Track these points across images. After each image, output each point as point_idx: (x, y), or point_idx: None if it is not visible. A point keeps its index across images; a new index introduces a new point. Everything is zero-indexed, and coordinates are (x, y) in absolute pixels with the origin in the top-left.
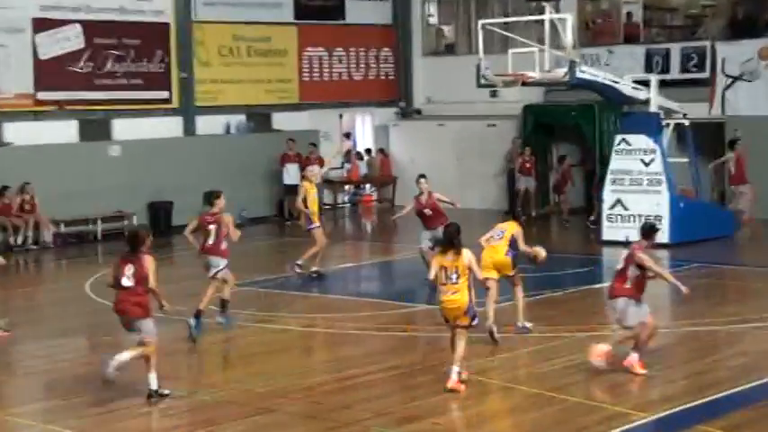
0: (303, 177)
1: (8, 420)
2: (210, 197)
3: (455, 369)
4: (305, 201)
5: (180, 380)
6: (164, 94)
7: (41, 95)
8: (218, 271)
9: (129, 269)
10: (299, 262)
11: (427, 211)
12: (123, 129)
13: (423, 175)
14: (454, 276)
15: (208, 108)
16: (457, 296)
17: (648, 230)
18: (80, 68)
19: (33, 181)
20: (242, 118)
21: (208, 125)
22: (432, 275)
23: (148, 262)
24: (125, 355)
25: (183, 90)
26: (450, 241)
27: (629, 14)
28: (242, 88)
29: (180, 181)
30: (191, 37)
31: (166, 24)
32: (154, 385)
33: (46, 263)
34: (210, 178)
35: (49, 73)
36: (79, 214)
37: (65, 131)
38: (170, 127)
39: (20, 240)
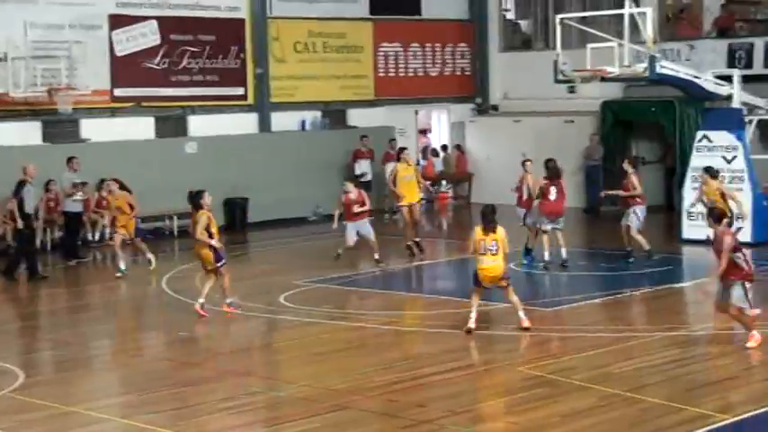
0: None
1: (86, 414)
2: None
3: (521, 314)
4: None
5: (256, 376)
6: (239, 91)
7: (118, 92)
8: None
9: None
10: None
11: None
12: (199, 125)
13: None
14: (493, 247)
15: (283, 104)
16: (496, 263)
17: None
18: (156, 65)
19: (111, 177)
20: (317, 114)
21: (283, 121)
22: (470, 249)
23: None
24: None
25: (259, 86)
26: (487, 219)
27: (723, 5)
28: (317, 84)
29: (255, 178)
30: (266, 33)
31: (242, 20)
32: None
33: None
34: (286, 175)
35: (125, 69)
36: (155, 210)
37: (141, 128)
38: (245, 123)
39: (97, 236)
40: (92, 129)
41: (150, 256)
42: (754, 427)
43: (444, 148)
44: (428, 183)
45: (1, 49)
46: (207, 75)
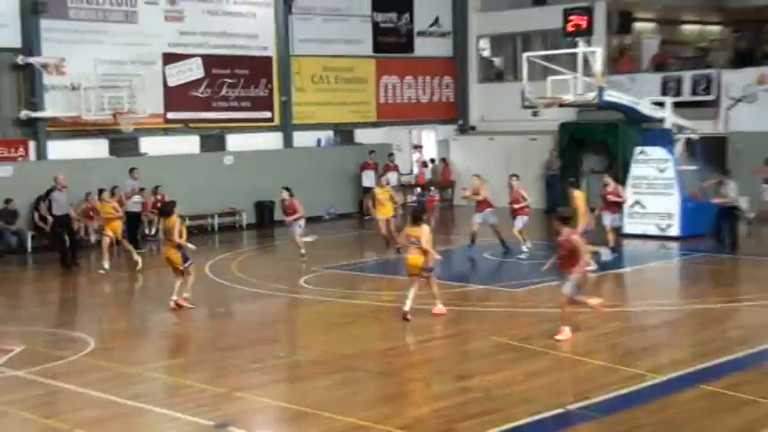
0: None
1: (143, 374)
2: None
3: (439, 304)
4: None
5: (280, 343)
6: (267, 114)
7: (170, 115)
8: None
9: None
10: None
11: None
12: (235, 142)
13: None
14: (416, 242)
15: (303, 125)
16: (415, 255)
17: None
18: (201, 93)
19: (163, 184)
20: (330, 133)
21: (303, 139)
22: (401, 240)
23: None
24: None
25: (283, 111)
26: (414, 217)
27: (660, 45)
28: (330, 109)
29: (280, 184)
30: (289, 68)
31: (270, 58)
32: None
33: None
34: (305, 182)
35: (175, 97)
36: (200, 210)
37: (188, 144)
38: (272, 141)
39: (153, 231)
40: (149, 145)
41: (137, 257)
42: (681, 384)
43: (432, 160)
44: (419, 188)
45: (75, 81)
46: (241, 102)
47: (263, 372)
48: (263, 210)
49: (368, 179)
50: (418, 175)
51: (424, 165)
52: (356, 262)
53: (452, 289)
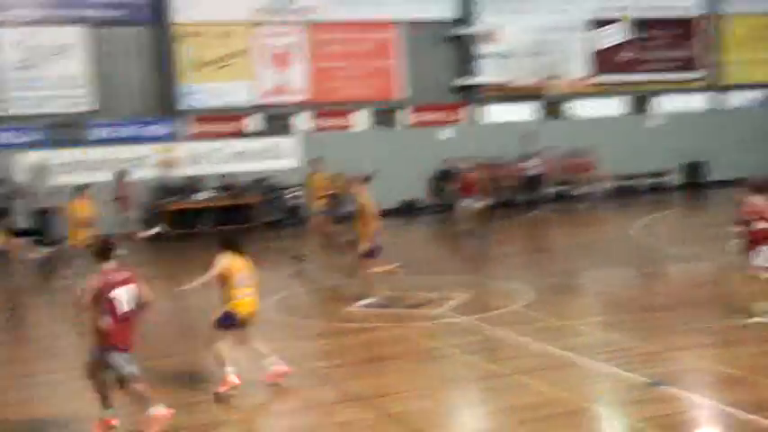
0: None
1: (575, 327)
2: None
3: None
4: None
5: (712, 305)
6: (695, 75)
7: (596, 79)
8: None
9: None
10: None
11: None
12: (662, 103)
13: None
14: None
15: (735, 85)
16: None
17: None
18: (627, 57)
19: (593, 146)
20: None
21: (735, 100)
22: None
23: None
24: None
25: (713, 71)
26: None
27: None
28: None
29: (710, 145)
30: (718, 27)
31: (697, 18)
32: None
33: (600, 210)
34: (736, 144)
35: (602, 61)
36: (627, 171)
37: (615, 106)
38: (701, 101)
39: (579, 192)
40: (578, 108)
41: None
42: None
43: None
44: None
45: (507, 49)
46: (668, 63)
47: (694, 334)
48: (693, 170)
49: None
50: None
51: None
52: None
53: None
